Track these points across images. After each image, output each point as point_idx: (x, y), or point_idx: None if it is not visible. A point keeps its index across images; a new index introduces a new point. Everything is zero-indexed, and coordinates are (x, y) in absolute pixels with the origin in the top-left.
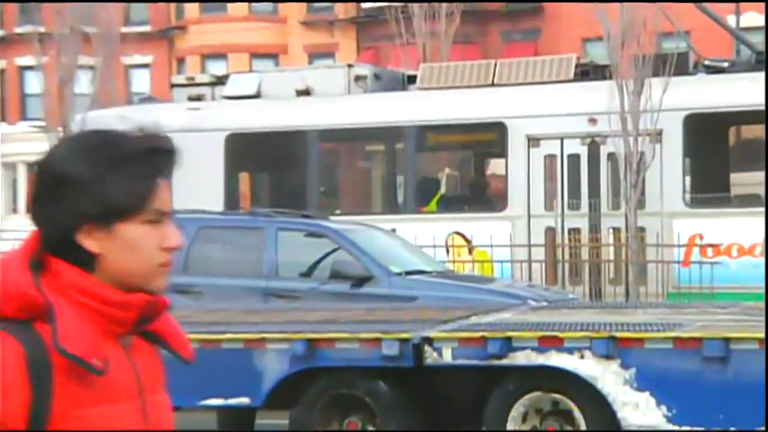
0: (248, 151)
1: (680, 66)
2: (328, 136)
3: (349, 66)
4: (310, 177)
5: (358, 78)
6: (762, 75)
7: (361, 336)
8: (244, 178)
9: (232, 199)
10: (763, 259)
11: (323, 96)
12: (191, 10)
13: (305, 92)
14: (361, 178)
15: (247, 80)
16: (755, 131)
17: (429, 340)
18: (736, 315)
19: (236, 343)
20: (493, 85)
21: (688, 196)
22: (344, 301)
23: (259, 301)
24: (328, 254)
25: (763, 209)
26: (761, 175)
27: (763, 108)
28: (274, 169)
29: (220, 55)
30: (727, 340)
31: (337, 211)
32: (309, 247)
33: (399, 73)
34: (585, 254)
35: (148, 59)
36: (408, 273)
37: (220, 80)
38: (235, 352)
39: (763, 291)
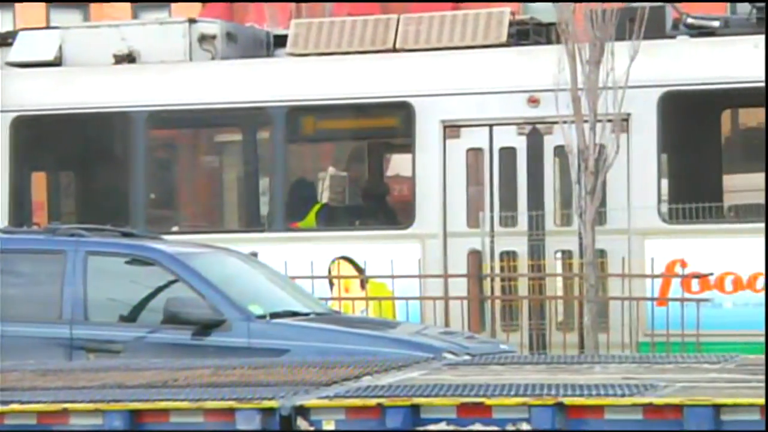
0: (44, 142)
1: (654, 26)
2: (161, 120)
3: (191, 21)
4: (134, 179)
5: (203, 38)
6: (765, 39)
7: (206, 405)
8: (38, 179)
9: (19, 210)
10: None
11: (153, 63)
12: None
13: (128, 58)
14: (209, 180)
15: (43, 40)
16: (758, 116)
17: (304, 411)
18: (732, 373)
19: (26, 417)
20: (395, 50)
21: (665, 207)
22: (184, 356)
23: (60, 356)
24: (160, 289)
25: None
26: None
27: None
28: (82, 167)
29: (1, 2)
30: (717, 409)
31: (174, 228)
32: (133, 280)
33: (262, 32)
34: (523, 288)
35: None
36: (275, 316)
37: (3, 39)
38: (25, 429)
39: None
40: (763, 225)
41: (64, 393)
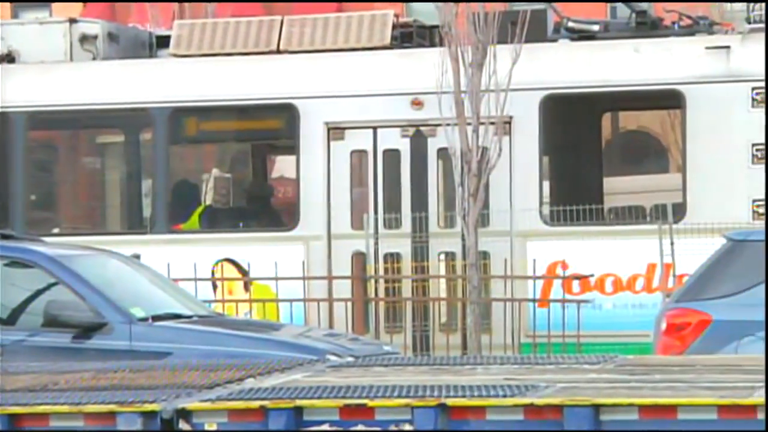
0: None
1: (535, 29)
2: (41, 121)
3: (72, 21)
4: (14, 180)
5: (84, 38)
6: (644, 43)
7: (86, 409)
8: None
9: None
10: (646, 296)
11: (33, 64)
12: None
13: (7, 58)
14: (90, 182)
15: None
16: (638, 120)
17: (186, 413)
18: (611, 373)
19: None
20: (278, 51)
21: (546, 210)
22: (64, 359)
23: None
24: (40, 292)
25: (647, 226)
26: (645, 179)
27: (647, 88)
28: None
29: None
30: (596, 408)
31: (55, 230)
32: (12, 282)
33: (144, 33)
34: (407, 290)
35: None
36: (157, 318)
37: None
38: None
39: (646, 339)
40: (641, 227)
41: None
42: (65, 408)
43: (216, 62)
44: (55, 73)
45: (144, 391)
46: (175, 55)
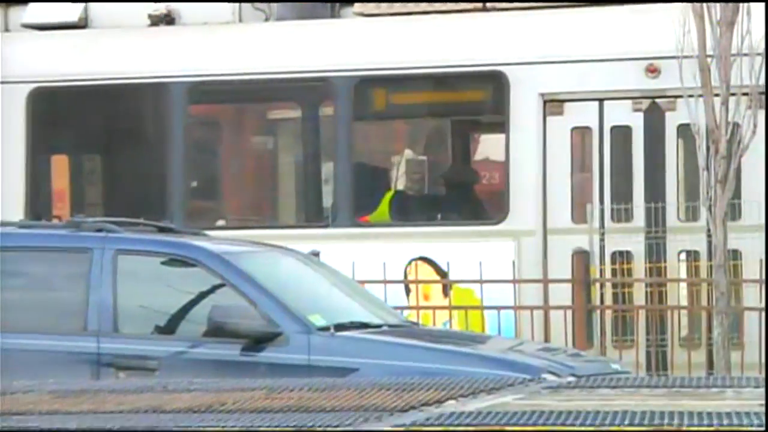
0: (66, 119)
1: None
2: (204, 93)
3: None
4: (172, 163)
5: None
6: None
7: None
8: (58, 163)
9: (37, 200)
10: None
11: (196, 25)
12: None
13: (165, 19)
14: (261, 166)
15: None
16: None
17: None
18: None
19: None
20: (485, 9)
21: None
22: (231, 375)
23: (85, 374)
24: (203, 295)
25: None
26: None
27: None
28: (111, 149)
29: None
30: None
31: (220, 222)
32: (171, 284)
33: None
34: (639, 296)
35: None
36: (340, 328)
37: None
38: None
39: None
40: None
41: (90, 419)
42: None
43: (410, 22)
44: (222, 37)
45: (326, 414)
46: (362, 15)
